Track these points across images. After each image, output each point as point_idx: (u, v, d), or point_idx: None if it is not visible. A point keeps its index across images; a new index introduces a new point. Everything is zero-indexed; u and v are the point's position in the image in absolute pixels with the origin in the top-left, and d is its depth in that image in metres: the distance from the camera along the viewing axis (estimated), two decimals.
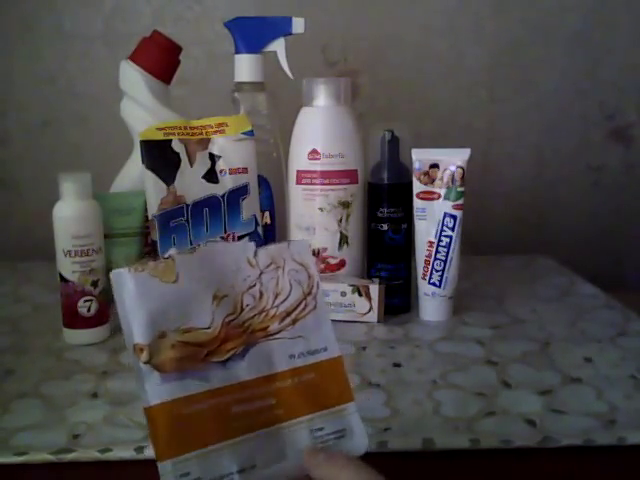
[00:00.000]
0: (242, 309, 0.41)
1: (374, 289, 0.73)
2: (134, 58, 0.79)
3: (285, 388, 0.41)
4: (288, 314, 0.42)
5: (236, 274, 0.41)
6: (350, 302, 0.73)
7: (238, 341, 0.40)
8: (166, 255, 0.41)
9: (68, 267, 0.67)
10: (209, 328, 0.40)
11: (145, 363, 0.38)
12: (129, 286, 0.39)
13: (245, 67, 0.79)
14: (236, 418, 0.39)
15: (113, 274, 0.39)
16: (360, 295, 0.73)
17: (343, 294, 0.73)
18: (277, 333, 0.42)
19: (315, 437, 0.41)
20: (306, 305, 0.43)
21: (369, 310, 0.73)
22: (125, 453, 0.49)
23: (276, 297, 0.42)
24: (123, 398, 0.57)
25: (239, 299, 0.41)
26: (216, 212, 0.70)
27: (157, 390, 0.38)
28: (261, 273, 0.42)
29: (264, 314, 0.42)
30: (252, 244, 0.43)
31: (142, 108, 0.79)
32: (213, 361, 0.40)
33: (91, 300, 0.68)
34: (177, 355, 0.39)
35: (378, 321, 0.74)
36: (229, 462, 0.38)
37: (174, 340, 0.39)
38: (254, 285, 0.42)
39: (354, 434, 0.42)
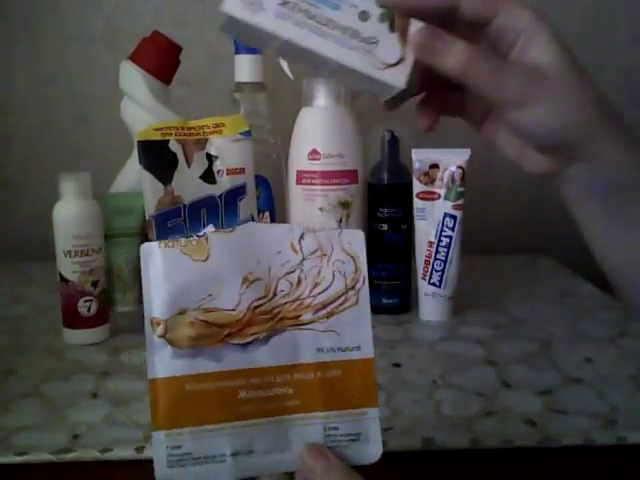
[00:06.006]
0: (275, 294, 0.40)
1: (416, 25, 0.41)
2: (134, 58, 0.79)
3: (306, 380, 0.40)
4: (324, 306, 0.41)
5: (275, 258, 0.40)
6: (372, 35, 0.41)
7: (263, 326, 0.40)
8: (201, 233, 0.40)
9: (68, 267, 0.67)
10: (234, 310, 0.39)
11: (159, 337, 0.38)
12: (157, 261, 0.39)
13: (245, 67, 0.79)
14: (244, 402, 0.39)
15: (143, 247, 0.39)
16: (392, 30, 0.41)
17: (363, 17, 0.41)
18: (309, 324, 0.40)
19: (328, 435, 0.40)
20: (346, 299, 0.41)
21: (398, 61, 0.41)
22: (125, 453, 0.49)
23: (315, 286, 0.41)
24: (123, 398, 0.57)
25: (273, 284, 0.40)
26: (213, 212, 0.70)
27: (166, 364, 0.38)
28: (303, 259, 0.41)
29: (298, 302, 0.40)
30: (299, 228, 0.41)
31: (142, 108, 0.79)
32: (232, 343, 0.39)
33: (91, 300, 0.68)
34: (194, 333, 0.38)
35: (404, 88, 0.42)
36: (224, 443, 0.38)
37: (194, 318, 0.38)
38: (293, 271, 0.40)
39: (369, 440, 0.40)
